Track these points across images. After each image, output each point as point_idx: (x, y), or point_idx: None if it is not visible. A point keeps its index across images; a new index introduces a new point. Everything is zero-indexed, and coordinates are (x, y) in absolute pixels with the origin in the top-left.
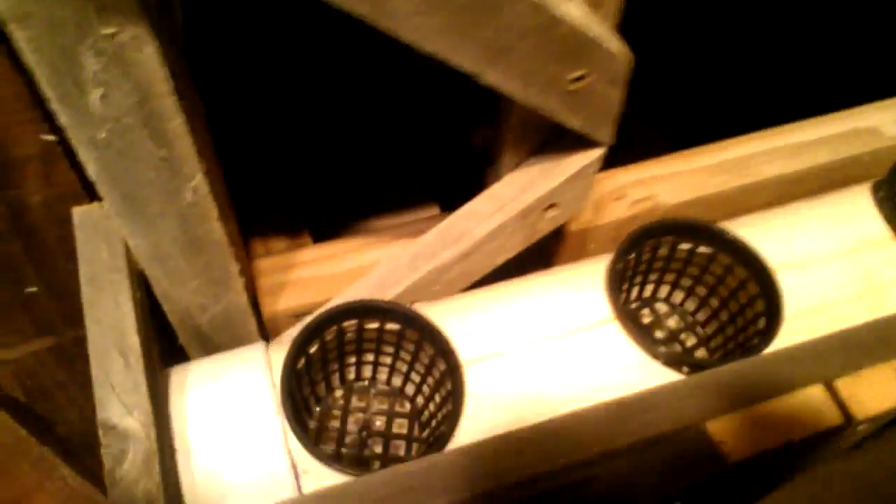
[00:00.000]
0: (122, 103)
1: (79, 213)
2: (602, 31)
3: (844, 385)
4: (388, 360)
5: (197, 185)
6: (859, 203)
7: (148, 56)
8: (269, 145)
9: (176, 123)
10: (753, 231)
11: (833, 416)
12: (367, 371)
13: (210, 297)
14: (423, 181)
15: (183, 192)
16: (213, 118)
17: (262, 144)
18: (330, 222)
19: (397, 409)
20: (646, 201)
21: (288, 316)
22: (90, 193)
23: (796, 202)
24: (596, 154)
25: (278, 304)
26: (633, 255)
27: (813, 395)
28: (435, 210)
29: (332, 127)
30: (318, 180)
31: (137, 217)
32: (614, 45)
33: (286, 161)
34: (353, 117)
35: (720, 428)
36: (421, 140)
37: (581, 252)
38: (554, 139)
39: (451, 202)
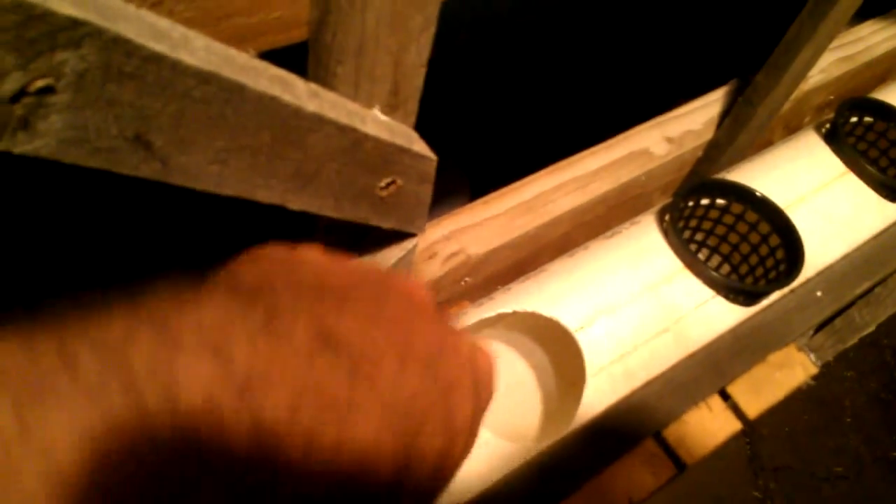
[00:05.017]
0: None
1: None
2: (406, 135)
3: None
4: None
5: None
6: (650, 231)
7: None
8: None
9: None
10: None
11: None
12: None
13: None
14: None
15: None
16: None
17: None
18: None
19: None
20: (457, 255)
21: None
22: None
23: None
24: (411, 244)
25: None
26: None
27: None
28: None
29: None
30: None
31: None
32: (419, 146)
33: None
34: None
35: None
36: None
37: None
38: (367, 234)
39: None
